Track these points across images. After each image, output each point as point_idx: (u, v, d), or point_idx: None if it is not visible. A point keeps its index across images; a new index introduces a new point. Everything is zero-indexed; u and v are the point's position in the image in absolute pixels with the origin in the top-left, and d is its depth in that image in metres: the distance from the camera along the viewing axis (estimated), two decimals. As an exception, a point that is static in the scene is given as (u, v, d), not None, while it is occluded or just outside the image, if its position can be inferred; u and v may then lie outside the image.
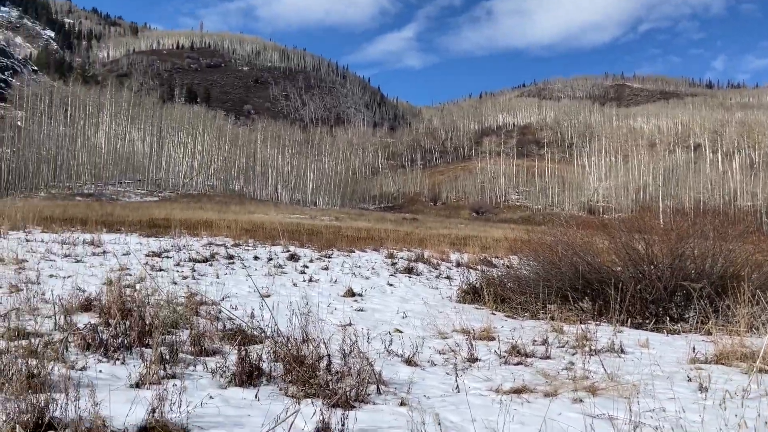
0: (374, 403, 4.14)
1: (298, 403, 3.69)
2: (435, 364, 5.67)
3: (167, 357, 4.65)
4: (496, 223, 75.46)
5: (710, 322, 7.42)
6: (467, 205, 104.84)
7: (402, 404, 4.12)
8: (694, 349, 6.13)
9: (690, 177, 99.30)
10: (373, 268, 14.16)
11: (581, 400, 4.44)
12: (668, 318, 8.64)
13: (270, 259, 14.05)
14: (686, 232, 9.01)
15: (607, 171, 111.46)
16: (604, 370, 5.23)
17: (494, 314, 9.67)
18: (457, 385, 4.67)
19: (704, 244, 9.04)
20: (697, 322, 8.15)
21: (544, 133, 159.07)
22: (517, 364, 5.76)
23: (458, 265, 16.75)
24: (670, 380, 5.12)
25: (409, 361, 5.64)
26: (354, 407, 3.99)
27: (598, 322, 8.61)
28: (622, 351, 6.47)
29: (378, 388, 4.42)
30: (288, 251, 15.42)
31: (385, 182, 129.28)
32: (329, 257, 15.27)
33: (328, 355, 4.70)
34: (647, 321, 8.86)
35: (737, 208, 71.57)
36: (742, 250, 9.23)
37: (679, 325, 8.54)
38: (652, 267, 9.27)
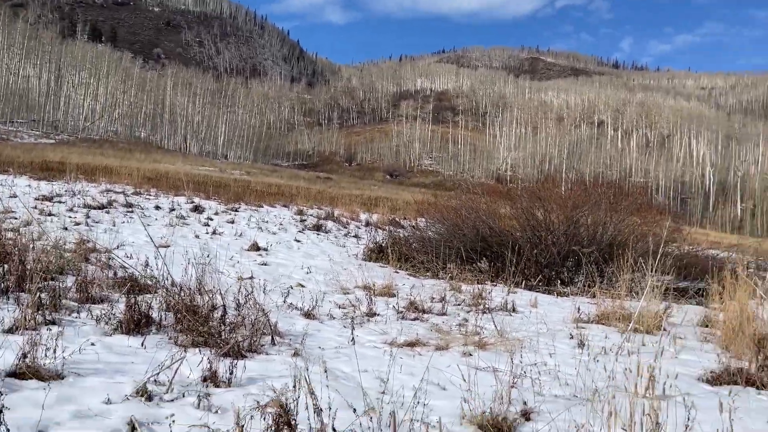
0: (267, 354, 4.12)
1: (185, 351, 3.59)
2: (334, 318, 5.71)
3: (48, 303, 4.38)
4: (409, 186, 76.51)
5: (596, 286, 7.92)
6: (382, 168, 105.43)
7: (295, 354, 4.11)
8: (578, 309, 6.51)
9: (592, 152, 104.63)
10: (281, 224, 13.99)
11: (470, 354, 4.62)
12: (559, 281, 9.14)
13: (172, 210, 13.55)
14: (581, 201, 9.49)
15: (517, 141, 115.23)
16: (495, 326, 5.46)
17: (397, 272, 9.86)
18: (353, 338, 4.72)
19: (597, 213, 9.56)
20: (584, 286, 8.67)
21: (460, 101, 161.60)
22: (414, 319, 5.90)
23: (367, 224, 16.87)
24: (554, 337, 5.42)
25: (308, 314, 5.64)
26: (246, 357, 3.95)
27: (494, 283, 8.97)
28: (514, 310, 6.77)
29: (273, 339, 4.39)
30: (192, 202, 14.91)
31: (301, 139, 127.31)
32: (236, 211, 14.92)
33: (223, 306, 4.60)
34: (540, 283, 9.33)
35: (631, 184, 76.33)
36: (630, 220, 9.85)
37: (568, 288, 9.06)
38: (549, 233, 9.72)
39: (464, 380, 3.41)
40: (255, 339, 4.18)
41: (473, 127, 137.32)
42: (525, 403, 3.34)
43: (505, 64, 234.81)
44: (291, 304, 5.93)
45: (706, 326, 6.44)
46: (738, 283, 5.92)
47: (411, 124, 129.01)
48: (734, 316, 5.52)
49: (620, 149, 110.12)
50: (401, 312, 6.05)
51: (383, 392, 3.49)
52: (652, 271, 7.10)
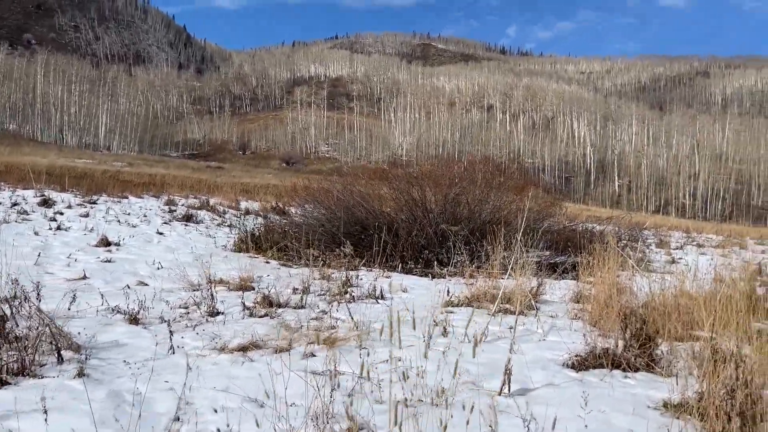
0: (42, 377, 3.23)
1: None
2: (165, 321, 4.85)
3: None
4: (307, 174, 74.90)
5: (473, 266, 7.53)
6: (278, 155, 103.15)
7: (79, 375, 3.26)
8: (448, 291, 6.05)
9: (483, 135, 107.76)
10: (145, 216, 12.72)
11: (313, 355, 3.96)
12: (436, 262, 8.71)
13: (15, 204, 11.91)
14: (457, 179, 9.11)
15: (412, 126, 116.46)
16: (351, 318, 4.84)
17: (268, 263, 9.07)
18: (172, 346, 3.92)
19: (473, 191, 9.22)
20: (461, 266, 8.28)
21: (355, 87, 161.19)
22: (264, 315, 5.16)
23: (247, 213, 15.86)
24: (416, 325, 4.89)
25: (134, 319, 4.76)
26: (9, 384, 3.06)
27: (370, 269, 8.41)
28: (381, 297, 6.21)
29: (59, 356, 3.50)
30: (42, 196, 13.24)
31: (191, 128, 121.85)
32: (94, 203, 13.43)
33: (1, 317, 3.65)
34: (419, 266, 8.88)
35: (520, 164, 79.20)
36: (508, 197, 9.60)
37: (446, 269, 8.64)
38: (426, 212, 9.28)
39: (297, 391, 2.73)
40: (30, 357, 3.28)
41: (369, 113, 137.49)
42: (352, 419, 2.70)
43: (397, 50, 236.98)
44: (115, 307, 5.01)
45: (579, 302, 6.18)
46: (608, 255, 5.67)
47: (306, 110, 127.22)
48: (603, 290, 5.24)
49: (509, 131, 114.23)
50: (250, 308, 5.30)
51: (177, 419, 2.75)
52: (524, 247, 6.79)
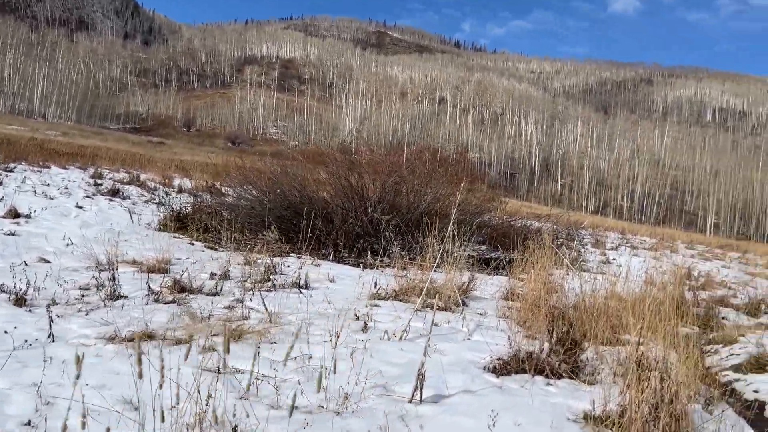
0: None
1: None
2: (57, 304, 4.37)
3: None
4: (251, 155, 73.41)
5: (408, 257, 7.28)
6: (223, 135, 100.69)
7: (-77, 366, 2.80)
8: (376, 284, 5.75)
9: (433, 127, 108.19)
10: (66, 188, 11.91)
11: (213, 349, 3.58)
12: (371, 252, 8.41)
13: None
14: (397, 166, 8.83)
15: (363, 114, 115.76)
16: (266, 308, 4.48)
17: (193, 244, 8.58)
18: (51, 333, 3.47)
19: (412, 180, 8.96)
20: (395, 257, 8.01)
21: (307, 70, 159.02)
22: (171, 302, 4.74)
23: (180, 191, 15.17)
24: (339, 319, 4.58)
25: (20, 300, 4.26)
26: None
27: (300, 256, 8.04)
28: (306, 286, 5.86)
29: None
30: (-49, 161, 12.25)
31: (134, 101, 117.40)
32: (10, 171, 12.51)
33: None
34: (352, 255, 8.57)
35: (467, 159, 79.80)
36: (446, 188, 9.38)
37: (380, 260, 8.37)
38: (363, 200, 8.96)
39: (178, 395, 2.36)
40: None
41: (320, 97, 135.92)
42: (236, 428, 2.36)
43: (353, 36, 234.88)
44: (1, 286, 4.49)
45: (509, 299, 6.00)
46: (543, 252, 5.51)
47: (256, 90, 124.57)
48: (534, 288, 5.06)
49: (458, 125, 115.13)
50: (157, 293, 4.86)
51: (28, 423, 2.34)
52: (458, 240, 6.57)
